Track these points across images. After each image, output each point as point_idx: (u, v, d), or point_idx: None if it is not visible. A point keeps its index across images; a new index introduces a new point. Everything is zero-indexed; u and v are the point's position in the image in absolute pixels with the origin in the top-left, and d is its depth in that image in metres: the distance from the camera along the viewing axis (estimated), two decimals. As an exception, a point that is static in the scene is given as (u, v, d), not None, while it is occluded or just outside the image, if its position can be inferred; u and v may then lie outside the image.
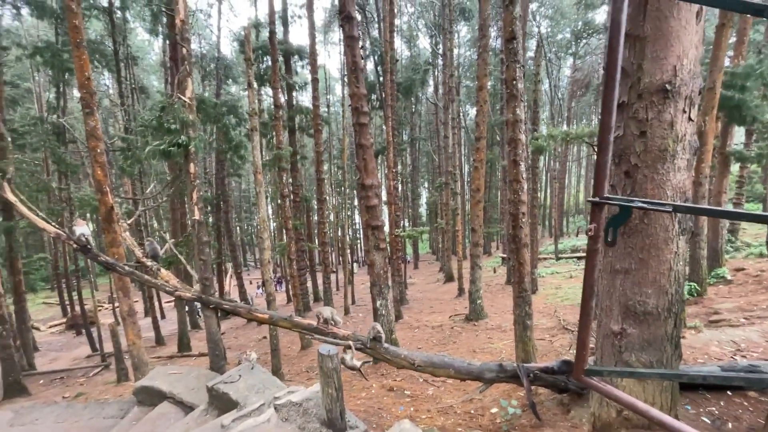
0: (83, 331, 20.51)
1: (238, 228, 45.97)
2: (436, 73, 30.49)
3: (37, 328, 22.88)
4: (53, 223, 4.97)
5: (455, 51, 26.19)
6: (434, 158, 30.94)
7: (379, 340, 4.68)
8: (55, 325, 24.82)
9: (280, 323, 5.22)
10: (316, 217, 19.99)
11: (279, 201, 13.54)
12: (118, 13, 17.47)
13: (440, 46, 26.53)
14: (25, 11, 16.60)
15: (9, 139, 12.00)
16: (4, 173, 6.11)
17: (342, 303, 16.73)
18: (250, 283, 30.83)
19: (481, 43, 11.40)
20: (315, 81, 13.90)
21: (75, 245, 5.02)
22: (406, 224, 35.67)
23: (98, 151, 7.62)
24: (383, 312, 8.10)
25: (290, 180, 14.49)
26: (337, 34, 32.11)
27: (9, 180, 5.75)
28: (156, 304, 19.75)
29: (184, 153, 4.92)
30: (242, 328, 18.62)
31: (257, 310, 5.35)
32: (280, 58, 16.02)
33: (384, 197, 18.18)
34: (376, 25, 21.42)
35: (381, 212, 8.40)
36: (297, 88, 16.75)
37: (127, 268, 5.35)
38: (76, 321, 23.10)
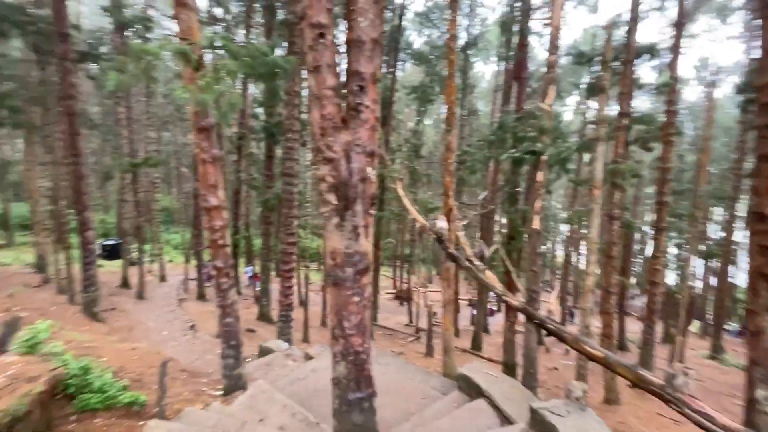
0: (404, 303, 26.20)
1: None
2: None
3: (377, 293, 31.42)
4: (422, 216, 6.27)
5: None
6: None
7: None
8: (388, 293, 33.04)
9: (618, 369, 4.24)
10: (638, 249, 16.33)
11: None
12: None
13: None
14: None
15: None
16: (400, 177, 8.39)
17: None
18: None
19: None
20: (673, 82, 11.15)
21: (434, 235, 6.16)
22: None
23: (450, 161, 9.10)
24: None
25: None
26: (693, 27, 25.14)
27: (401, 179, 7.75)
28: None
29: (535, 161, 4.95)
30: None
31: (587, 342, 4.59)
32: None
33: None
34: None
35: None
36: (654, 91, 14.14)
37: (467, 263, 6.02)
38: (401, 294, 29.83)
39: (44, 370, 3.89)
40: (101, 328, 11.16)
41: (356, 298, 3.66)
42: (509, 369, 11.44)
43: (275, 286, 19.59)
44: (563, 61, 31.53)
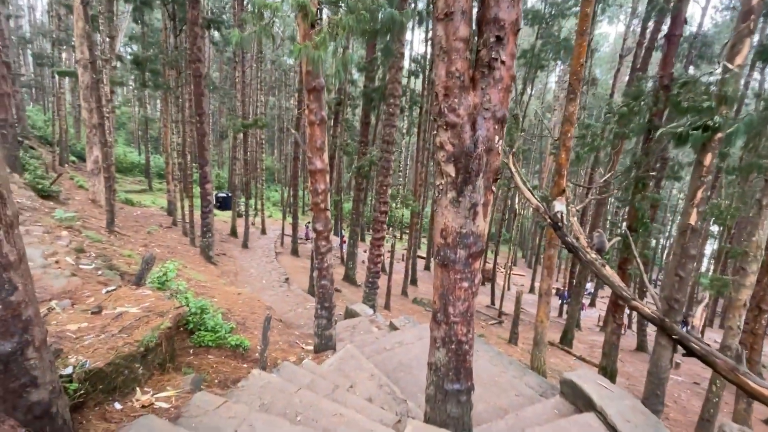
0: (485, 283, 25.24)
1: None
2: None
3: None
4: (537, 196, 5.52)
5: None
6: None
7: None
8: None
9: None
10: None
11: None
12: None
13: None
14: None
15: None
16: (511, 146, 7.57)
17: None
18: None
19: None
20: None
21: (548, 219, 5.41)
22: None
23: (568, 135, 7.92)
24: None
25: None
26: None
27: (514, 153, 6.96)
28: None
29: (706, 138, 3.85)
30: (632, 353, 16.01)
31: (749, 375, 3.60)
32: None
33: None
34: None
35: None
36: None
37: (588, 256, 5.20)
38: (483, 273, 28.84)
39: (171, 306, 4.33)
40: (214, 270, 12.68)
41: (465, 284, 3.27)
42: (607, 375, 10.22)
43: (359, 251, 20.27)
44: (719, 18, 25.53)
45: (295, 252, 20.55)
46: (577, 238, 6.62)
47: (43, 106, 38.54)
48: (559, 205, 5.30)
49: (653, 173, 8.36)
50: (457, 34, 2.89)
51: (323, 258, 5.62)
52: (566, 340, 14.38)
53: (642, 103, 8.36)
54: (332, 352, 5.89)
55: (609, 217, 20.02)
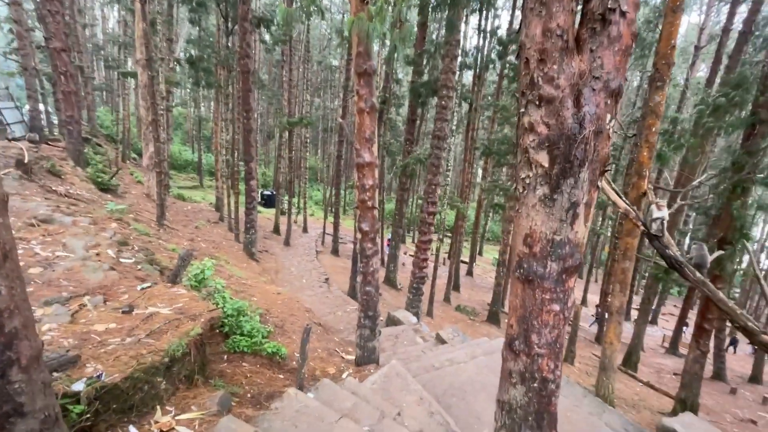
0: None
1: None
2: None
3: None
4: (625, 199, 4.61)
5: None
6: None
7: None
8: (515, 278, 30.49)
9: None
10: None
11: None
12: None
13: None
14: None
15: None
16: None
17: None
18: None
19: None
20: None
21: (642, 227, 4.48)
22: None
23: (652, 129, 6.80)
24: None
25: None
26: None
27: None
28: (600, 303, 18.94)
29: None
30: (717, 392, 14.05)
31: None
32: None
33: None
34: None
35: None
36: None
37: (696, 275, 4.22)
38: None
39: (204, 308, 3.96)
40: (255, 267, 12.62)
41: (556, 306, 2.52)
42: (687, 409, 8.83)
43: (400, 253, 19.65)
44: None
45: (335, 251, 20.34)
46: (669, 247, 5.55)
47: (111, 107, 41.74)
48: (658, 212, 4.35)
49: (761, 175, 6.95)
50: (560, -23, 2.19)
51: (369, 261, 5.06)
52: (630, 363, 12.82)
53: (745, 92, 7.02)
54: (375, 366, 5.32)
55: (680, 226, 17.86)
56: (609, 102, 2.33)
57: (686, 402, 8.76)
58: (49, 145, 14.75)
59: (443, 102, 8.30)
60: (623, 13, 2.23)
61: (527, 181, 2.53)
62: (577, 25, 2.34)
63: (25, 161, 8.98)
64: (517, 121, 2.70)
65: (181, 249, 9.93)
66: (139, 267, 5.28)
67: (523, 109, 2.52)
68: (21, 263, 4.42)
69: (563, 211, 2.41)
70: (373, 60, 4.59)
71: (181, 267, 4.63)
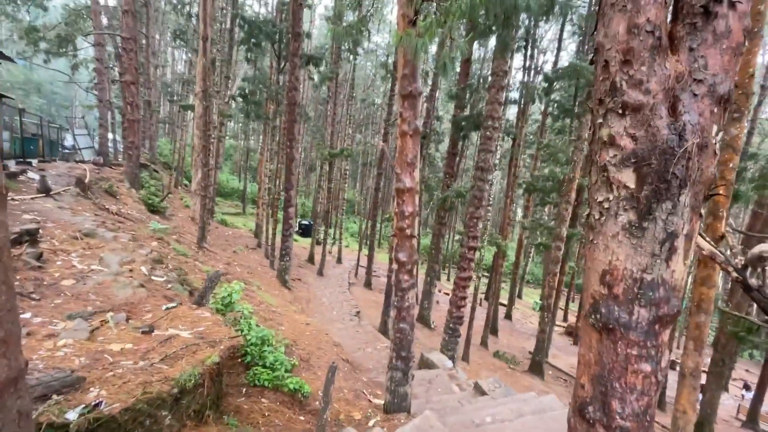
0: (578, 342, 21.54)
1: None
2: None
3: (547, 322, 27.05)
4: (709, 240, 3.95)
5: None
6: None
7: None
8: (558, 326, 28.25)
9: None
10: None
11: None
12: None
13: None
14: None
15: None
16: None
17: None
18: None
19: None
20: None
21: (735, 274, 3.77)
22: None
23: (729, 165, 6.05)
24: None
25: None
26: None
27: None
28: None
29: None
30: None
31: None
32: None
33: None
34: None
35: None
36: None
37: None
38: (571, 330, 25.01)
39: (227, 334, 3.68)
40: (287, 295, 12.43)
41: (646, 366, 1.96)
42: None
43: (435, 290, 18.83)
44: None
45: (368, 284, 19.88)
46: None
47: (171, 138, 45.47)
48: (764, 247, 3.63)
49: None
50: (650, -37, 1.85)
51: (404, 295, 4.62)
52: (702, 426, 10.95)
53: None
54: (406, 415, 4.72)
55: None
56: (715, 110, 1.89)
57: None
58: (112, 168, 15.92)
59: (488, 133, 7.98)
60: (732, 4, 1.83)
61: (606, 205, 2.08)
62: (669, 22, 1.98)
63: (85, 180, 9.58)
64: (592, 135, 2.28)
65: (212, 271, 9.99)
66: (169, 286, 5.17)
67: (600, 120, 2.12)
68: (56, 274, 4.45)
69: (656, 243, 1.92)
70: (418, 82, 4.41)
71: (208, 288, 4.44)
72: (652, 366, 2.00)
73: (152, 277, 5.13)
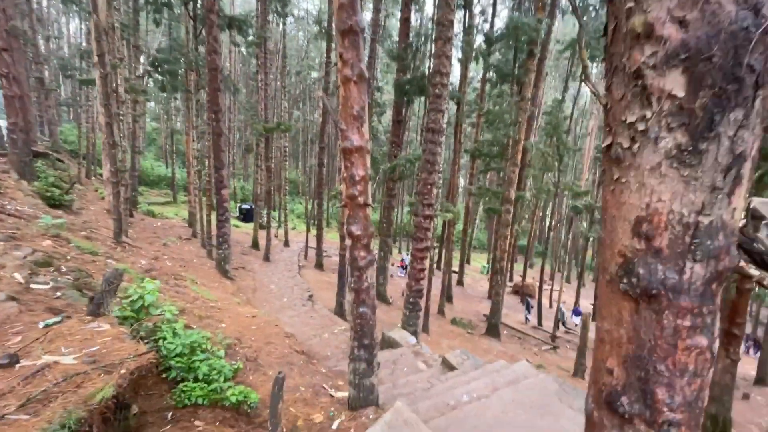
0: (524, 300, 22.60)
1: None
2: None
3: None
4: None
5: None
6: None
7: None
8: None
9: None
10: None
11: None
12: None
13: None
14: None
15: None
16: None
17: None
18: None
19: None
20: None
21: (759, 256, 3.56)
22: None
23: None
24: None
25: None
26: None
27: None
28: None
29: None
30: None
31: None
32: None
33: None
34: None
35: None
36: None
37: None
38: (520, 289, 26.38)
39: (132, 351, 2.77)
40: (229, 287, 11.26)
41: (701, 339, 1.47)
42: (719, 426, 7.94)
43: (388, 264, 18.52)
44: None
45: (319, 265, 19.05)
46: None
47: (77, 123, 39.62)
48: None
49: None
50: None
51: (362, 274, 3.94)
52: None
53: None
54: (375, 409, 4.15)
55: None
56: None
57: (717, 417, 7.88)
58: (-10, 156, 13.13)
59: (437, 90, 7.37)
60: None
61: (640, 127, 1.46)
62: None
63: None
64: (612, 32, 1.64)
65: (139, 269, 8.55)
66: (58, 294, 4.00)
67: (631, 4, 1.48)
68: None
69: (718, 171, 1.36)
70: (359, 15, 3.58)
71: (106, 293, 3.40)
72: (708, 338, 1.48)
73: (31, 285, 3.92)
